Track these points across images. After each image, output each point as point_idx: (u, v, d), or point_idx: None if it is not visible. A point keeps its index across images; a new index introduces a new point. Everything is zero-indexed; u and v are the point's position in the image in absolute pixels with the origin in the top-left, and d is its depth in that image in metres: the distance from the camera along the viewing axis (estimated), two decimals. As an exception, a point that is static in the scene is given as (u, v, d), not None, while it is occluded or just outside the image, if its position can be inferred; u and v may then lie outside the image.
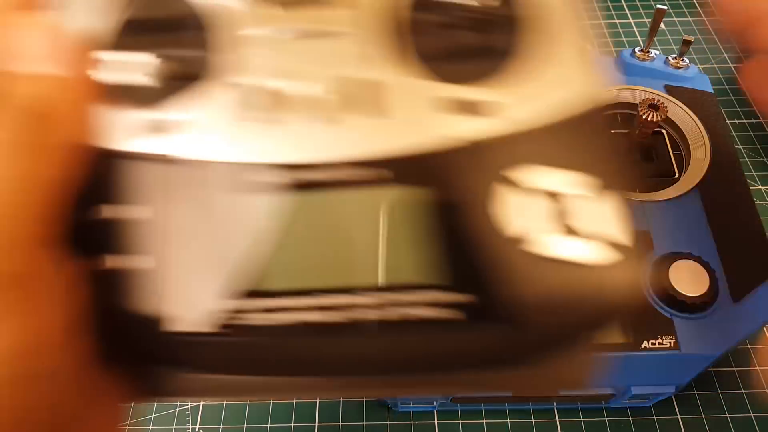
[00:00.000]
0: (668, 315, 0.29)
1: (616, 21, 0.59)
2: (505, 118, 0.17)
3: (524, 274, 0.16)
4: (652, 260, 0.31)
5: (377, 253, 0.16)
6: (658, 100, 0.33)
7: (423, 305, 0.16)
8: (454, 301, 0.16)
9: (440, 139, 0.17)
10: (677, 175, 0.35)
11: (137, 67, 0.18)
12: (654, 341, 0.29)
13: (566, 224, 0.16)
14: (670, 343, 0.29)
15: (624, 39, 0.57)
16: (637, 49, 0.38)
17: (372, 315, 0.16)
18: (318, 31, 0.18)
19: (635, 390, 0.29)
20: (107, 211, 0.17)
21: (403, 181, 0.16)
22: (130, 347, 0.17)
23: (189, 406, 0.37)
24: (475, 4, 0.18)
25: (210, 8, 0.19)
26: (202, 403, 0.37)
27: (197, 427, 0.37)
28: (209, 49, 0.18)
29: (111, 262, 0.17)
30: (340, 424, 0.36)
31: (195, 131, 0.17)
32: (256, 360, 0.17)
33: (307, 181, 0.17)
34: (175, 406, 0.37)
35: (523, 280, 0.16)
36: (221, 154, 0.17)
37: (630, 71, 0.38)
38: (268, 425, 0.36)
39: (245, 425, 0.36)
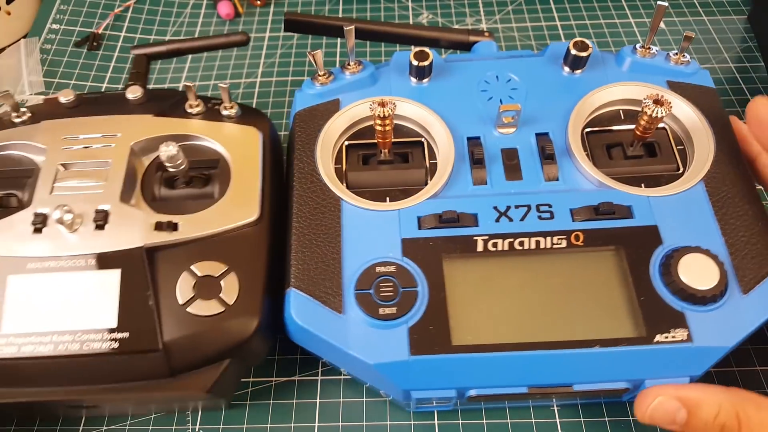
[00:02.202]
0: (680, 308, 0.30)
1: (616, 21, 0.59)
2: (182, 233, 0.32)
3: (170, 324, 0.30)
4: (661, 254, 0.31)
5: None
6: (662, 96, 0.33)
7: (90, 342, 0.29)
8: (118, 338, 0.29)
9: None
10: (681, 169, 0.35)
11: None
12: (667, 334, 0.29)
13: (205, 295, 0.30)
14: (683, 335, 0.29)
15: (624, 39, 0.57)
16: (637, 46, 0.39)
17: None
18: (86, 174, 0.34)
19: (650, 383, 0.29)
20: None
21: (111, 266, 0.31)
22: None
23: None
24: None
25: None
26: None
27: (197, 427, 0.36)
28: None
29: None
30: (340, 424, 0.36)
31: None
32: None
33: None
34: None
35: (171, 327, 0.30)
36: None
37: (631, 68, 0.38)
38: (268, 425, 0.36)
39: (245, 425, 0.36)
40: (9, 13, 0.59)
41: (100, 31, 0.60)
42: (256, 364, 0.37)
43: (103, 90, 0.55)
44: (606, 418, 0.36)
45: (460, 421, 0.36)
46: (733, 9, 0.60)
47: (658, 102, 0.33)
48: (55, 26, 0.60)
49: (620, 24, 0.59)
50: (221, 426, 0.36)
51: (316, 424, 0.36)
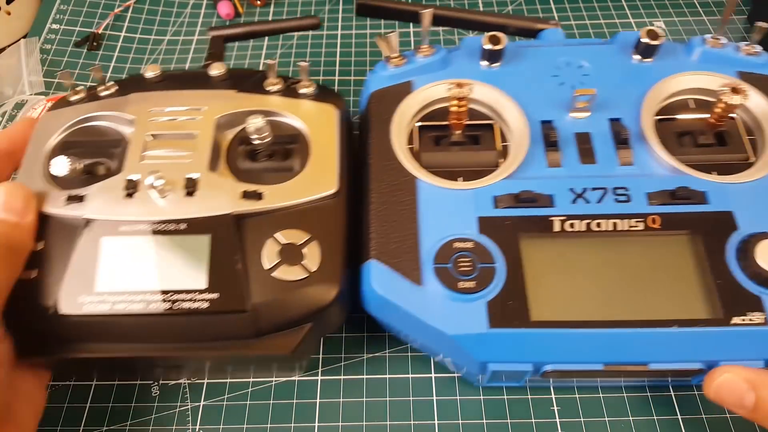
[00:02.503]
0: (757, 293, 0.30)
1: (616, 21, 0.59)
2: (267, 202, 0.33)
3: (257, 287, 0.31)
4: (737, 239, 0.31)
5: None
6: (739, 84, 0.33)
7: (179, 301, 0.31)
8: (208, 299, 0.31)
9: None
10: (752, 159, 0.35)
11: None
12: (744, 317, 0.29)
13: (290, 261, 0.32)
14: (760, 319, 0.29)
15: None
16: (707, 37, 0.39)
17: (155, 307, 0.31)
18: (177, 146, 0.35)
19: (723, 365, 0.29)
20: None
21: (201, 231, 0.32)
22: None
23: (189, 406, 0.37)
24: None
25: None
26: (202, 404, 0.37)
27: (197, 427, 0.36)
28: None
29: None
30: (340, 424, 0.36)
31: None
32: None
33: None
34: (176, 407, 0.37)
35: (259, 290, 0.31)
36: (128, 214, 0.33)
37: (701, 58, 0.38)
38: (268, 425, 0.36)
39: (245, 425, 0.36)
40: (9, 13, 0.60)
41: (100, 31, 0.60)
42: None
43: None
44: (606, 418, 0.36)
45: (460, 421, 0.36)
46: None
47: (735, 90, 0.33)
48: (55, 26, 0.61)
49: (620, 24, 0.59)
50: (221, 426, 0.37)
51: (316, 424, 0.36)
